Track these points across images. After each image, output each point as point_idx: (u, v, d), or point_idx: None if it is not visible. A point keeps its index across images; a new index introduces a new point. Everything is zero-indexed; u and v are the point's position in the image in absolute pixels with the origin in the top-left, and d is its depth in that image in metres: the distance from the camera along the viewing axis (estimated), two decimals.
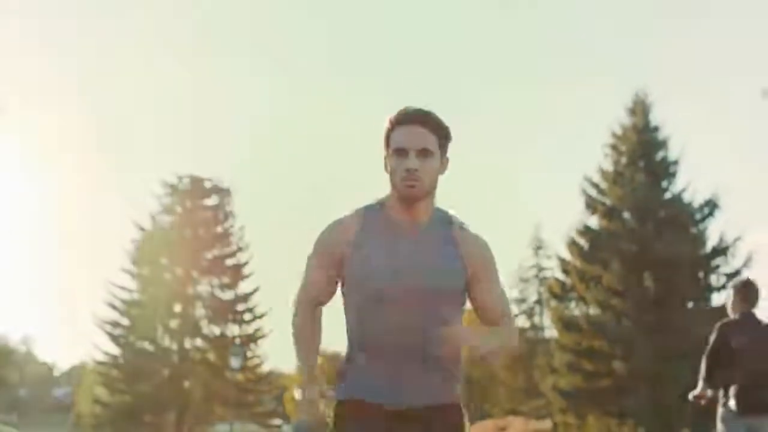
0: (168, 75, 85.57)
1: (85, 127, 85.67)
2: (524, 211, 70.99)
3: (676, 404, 26.45)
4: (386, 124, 3.05)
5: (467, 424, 3.07)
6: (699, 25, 71.88)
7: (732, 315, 6.66)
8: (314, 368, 3.06)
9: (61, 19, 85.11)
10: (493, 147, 74.37)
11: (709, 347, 6.57)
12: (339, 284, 3.10)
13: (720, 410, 6.49)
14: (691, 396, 6.72)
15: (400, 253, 2.99)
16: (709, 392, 6.60)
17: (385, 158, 3.06)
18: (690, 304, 30.11)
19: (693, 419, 26.25)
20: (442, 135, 3.02)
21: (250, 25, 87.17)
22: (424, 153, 2.97)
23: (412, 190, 2.97)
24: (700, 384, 6.62)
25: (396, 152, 2.99)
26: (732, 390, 6.44)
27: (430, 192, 3.03)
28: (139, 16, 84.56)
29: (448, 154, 3.08)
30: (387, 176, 3.06)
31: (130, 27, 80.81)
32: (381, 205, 3.08)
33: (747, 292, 6.62)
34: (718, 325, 6.62)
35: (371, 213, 3.07)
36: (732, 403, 6.41)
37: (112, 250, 68.95)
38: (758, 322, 6.60)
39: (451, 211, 3.12)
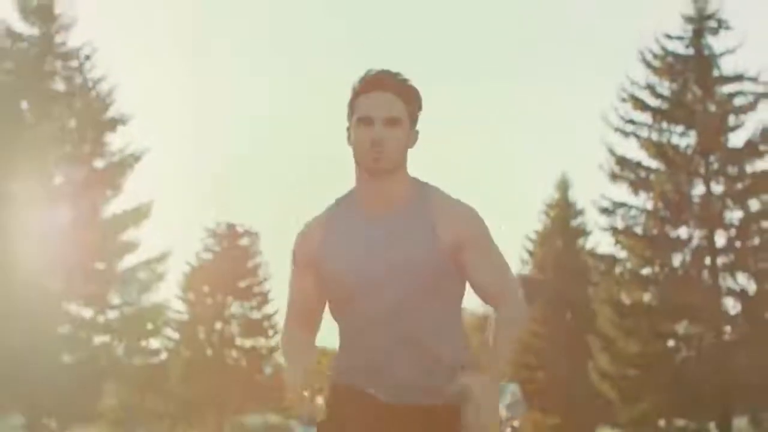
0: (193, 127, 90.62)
1: None
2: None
3: (582, 403, 35.78)
4: (351, 90, 2.58)
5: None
6: None
7: None
8: (303, 369, 2.58)
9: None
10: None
11: None
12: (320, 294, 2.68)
13: None
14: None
15: (368, 244, 2.55)
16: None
17: (347, 129, 2.60)
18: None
19: (598, 413, 34.76)
20: (413, 103, 2.57)
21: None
22: (391, 122, 2.52)
23: (378, 163, 2.52)
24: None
25: (360, 121, 2.53)
26: None
27: (399, 166, 2.56)
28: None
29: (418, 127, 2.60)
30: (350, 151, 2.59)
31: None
32: (350, 192, 2.64)
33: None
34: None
35: (339, 205, 2.65)
36: None
37: (167, 281, 77.39)
38: None
39: (430, 182, 2.65)
